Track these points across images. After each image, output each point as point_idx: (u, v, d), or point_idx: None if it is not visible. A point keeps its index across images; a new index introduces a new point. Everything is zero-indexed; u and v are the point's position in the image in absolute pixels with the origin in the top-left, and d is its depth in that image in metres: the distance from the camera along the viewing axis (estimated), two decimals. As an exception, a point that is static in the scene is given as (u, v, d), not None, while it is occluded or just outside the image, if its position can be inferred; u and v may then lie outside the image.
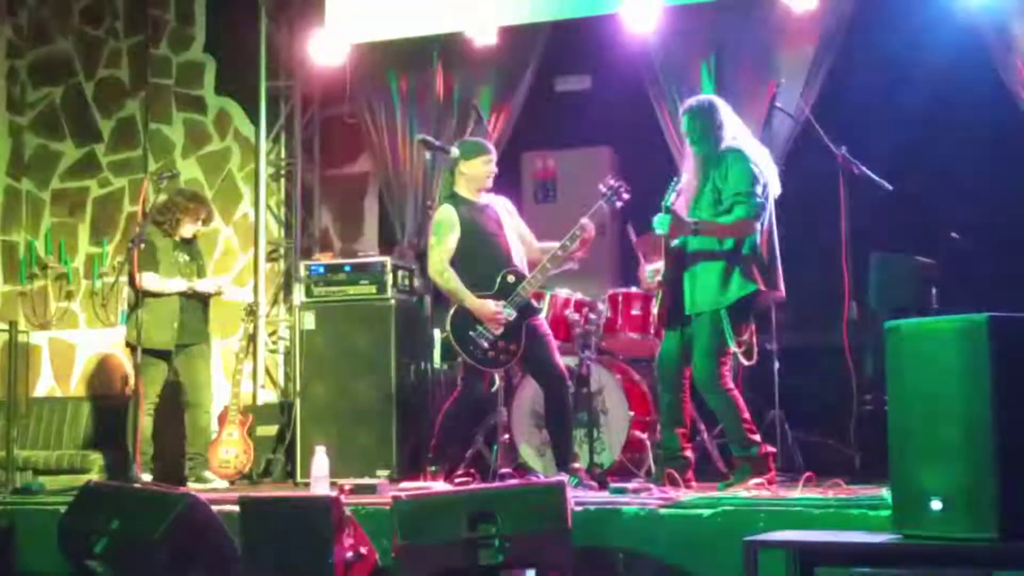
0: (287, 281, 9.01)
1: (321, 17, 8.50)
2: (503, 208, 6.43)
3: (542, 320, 6.37)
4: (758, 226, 5.75)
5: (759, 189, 5.75)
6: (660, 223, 5.77)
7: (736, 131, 5.97)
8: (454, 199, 6.33)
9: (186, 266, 7.68)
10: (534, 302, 6.30)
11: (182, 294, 7.56)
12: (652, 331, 6.59)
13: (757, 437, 5.84)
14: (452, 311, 6.22)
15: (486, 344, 6.15)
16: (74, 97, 9.82)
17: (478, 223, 6.27)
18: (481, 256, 6.23)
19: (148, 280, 7.45)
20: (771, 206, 5.90)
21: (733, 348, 5.77)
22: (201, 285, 7.67)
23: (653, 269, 6.14)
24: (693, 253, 5.85)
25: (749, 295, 5.79)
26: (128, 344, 7.60)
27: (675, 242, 5.89)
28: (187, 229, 7.72)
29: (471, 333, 6.15)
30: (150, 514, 5.30)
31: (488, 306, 6.12)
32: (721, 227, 5.75)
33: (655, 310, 6.20)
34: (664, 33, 7.68)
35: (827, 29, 7.49)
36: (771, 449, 5.92)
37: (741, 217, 5.71)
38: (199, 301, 7.70)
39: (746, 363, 5.88)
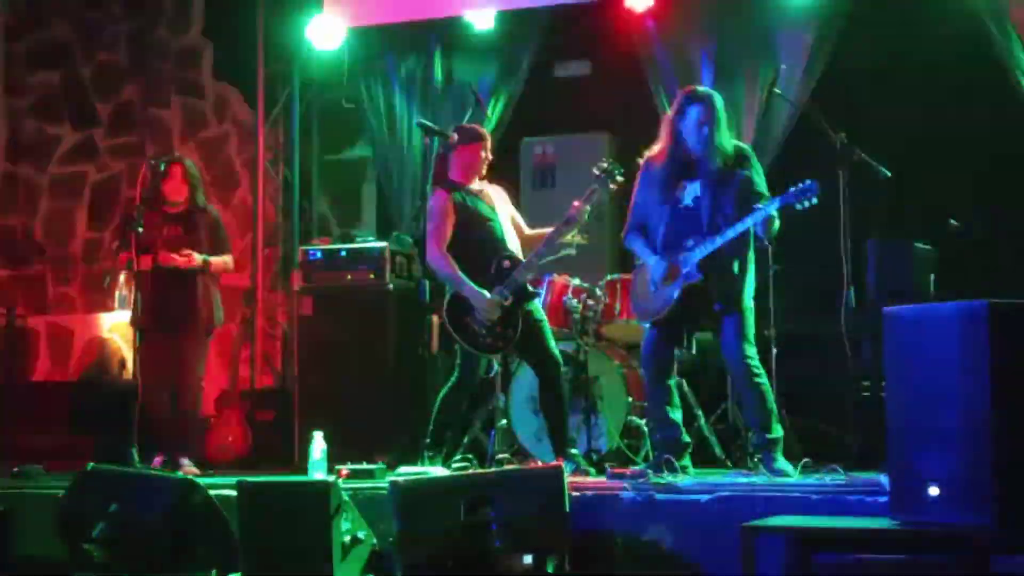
0: (285, 266, 9.00)
1: (319, 1, 8.49)
2: (496, 195, 6.43)
3: (538, 306, 6.37)
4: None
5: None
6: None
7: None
8: (449, 185, 6.32)
9: (177, 240, 7.06)
10: (530, 288, 6.29)
11: (159, 273, 6.96)
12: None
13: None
14: (448, 297, 6.21)
15: (482, 330, 6.14)
16: (72, 81, 9.80)
17: (473, 209, 6.26)
18: (476, 242, 6.22)
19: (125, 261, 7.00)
20: None
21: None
22: (164, 258, 6.97)
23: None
24: (726, 252, 5.78)
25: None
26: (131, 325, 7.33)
27: None
28: (169, 196, 7.11)
29: (467, 319, 6.15)
30: (148, 498, 5.31)
31: (484, 296, 6.11)
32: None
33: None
34: (664, 18, 7.68)
35: (826, 14, 7.49)
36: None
37: (771, 213, 5.70)
38: (179, 279, 7.02)
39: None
